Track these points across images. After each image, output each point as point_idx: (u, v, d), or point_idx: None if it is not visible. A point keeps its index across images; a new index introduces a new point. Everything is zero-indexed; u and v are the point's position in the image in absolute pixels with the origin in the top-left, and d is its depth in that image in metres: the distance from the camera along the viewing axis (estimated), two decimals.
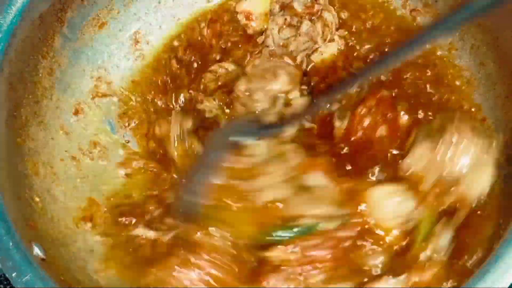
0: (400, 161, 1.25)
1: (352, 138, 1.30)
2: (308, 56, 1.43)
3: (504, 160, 1.27)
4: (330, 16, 1.41)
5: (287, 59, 1.38)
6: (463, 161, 1.20)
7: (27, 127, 1.32)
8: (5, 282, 1.35)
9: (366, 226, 1.19)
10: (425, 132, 1.25)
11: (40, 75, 1.36)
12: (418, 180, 1.21)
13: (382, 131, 1.29)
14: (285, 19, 1.41)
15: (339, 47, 1.44)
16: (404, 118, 1.31)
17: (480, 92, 1.36)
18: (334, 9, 1.44)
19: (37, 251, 1.19)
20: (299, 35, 1.39)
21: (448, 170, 1.20)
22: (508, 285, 1.11)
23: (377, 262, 1.18)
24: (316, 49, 1.43)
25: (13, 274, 1.13)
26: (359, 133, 1.30)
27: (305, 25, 1.39)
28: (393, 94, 1.33)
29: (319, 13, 1.40)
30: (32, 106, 1.34)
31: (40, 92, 1.36)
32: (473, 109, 1.35)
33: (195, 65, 1.52)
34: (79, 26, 1.43)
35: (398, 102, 1.33)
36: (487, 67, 1.35)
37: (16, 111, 1.29)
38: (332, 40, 1.43)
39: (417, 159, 1.22)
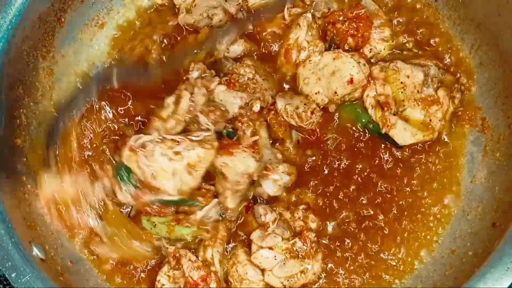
0: None
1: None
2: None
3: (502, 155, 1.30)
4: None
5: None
6: None
7: (27, 127, 1.32)
8: (5, 282, 1.35)
9: None
10: None
11: (40, 75, 1.36)
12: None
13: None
14: None
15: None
16: None
17: (480, 92, 1.36)
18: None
19: (36, 251, 1.19)
20: None
21: None
22: (508, 285, 1.11)
23: None
24: None
25: (13, 275, 1.13)
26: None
27: None
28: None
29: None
30: (32, 106, 1.34)
31: (40, 92, 1.36)
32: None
33: None
34: (78, 26, 1.43)
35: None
36: (487, 67, 1.35)
37: (16, 111, 1.29)
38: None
39: None
